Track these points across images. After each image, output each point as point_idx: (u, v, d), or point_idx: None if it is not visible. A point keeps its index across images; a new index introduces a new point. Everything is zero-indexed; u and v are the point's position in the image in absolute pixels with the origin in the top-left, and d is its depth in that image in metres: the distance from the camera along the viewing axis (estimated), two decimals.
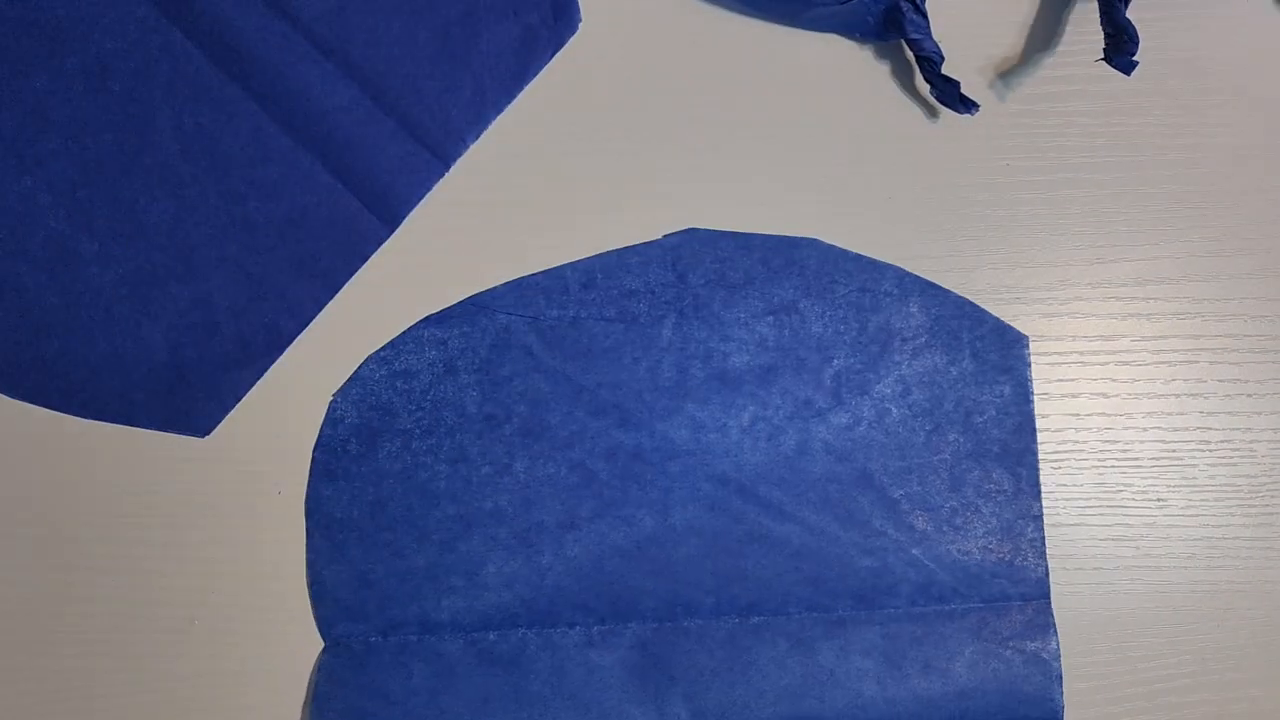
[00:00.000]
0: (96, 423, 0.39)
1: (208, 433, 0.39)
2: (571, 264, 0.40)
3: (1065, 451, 0.40)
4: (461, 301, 0.39)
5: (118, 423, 0.39)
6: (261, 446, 0.39)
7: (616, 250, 0.40)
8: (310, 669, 0.39)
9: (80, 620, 0.38)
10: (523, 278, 0.39)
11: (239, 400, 0.39)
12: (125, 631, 0.38)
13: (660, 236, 0.40)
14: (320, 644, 0.39)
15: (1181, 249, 0.41)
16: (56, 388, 0.39)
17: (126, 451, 0.39)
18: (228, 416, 0.39)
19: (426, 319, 0.39)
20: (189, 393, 0.39)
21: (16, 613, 0.38)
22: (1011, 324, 0.40)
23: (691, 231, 0.40)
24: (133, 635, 0.38)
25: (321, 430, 0.39)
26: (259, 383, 0.39)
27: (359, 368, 0.39)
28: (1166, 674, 0.40)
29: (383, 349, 0.39)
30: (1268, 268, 0.41)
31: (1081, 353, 0.40)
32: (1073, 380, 0.40)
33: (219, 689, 0.38)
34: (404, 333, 0.39)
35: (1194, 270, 0.41)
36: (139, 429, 0.39)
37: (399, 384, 0.39)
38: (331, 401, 0.39)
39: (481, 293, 0.39)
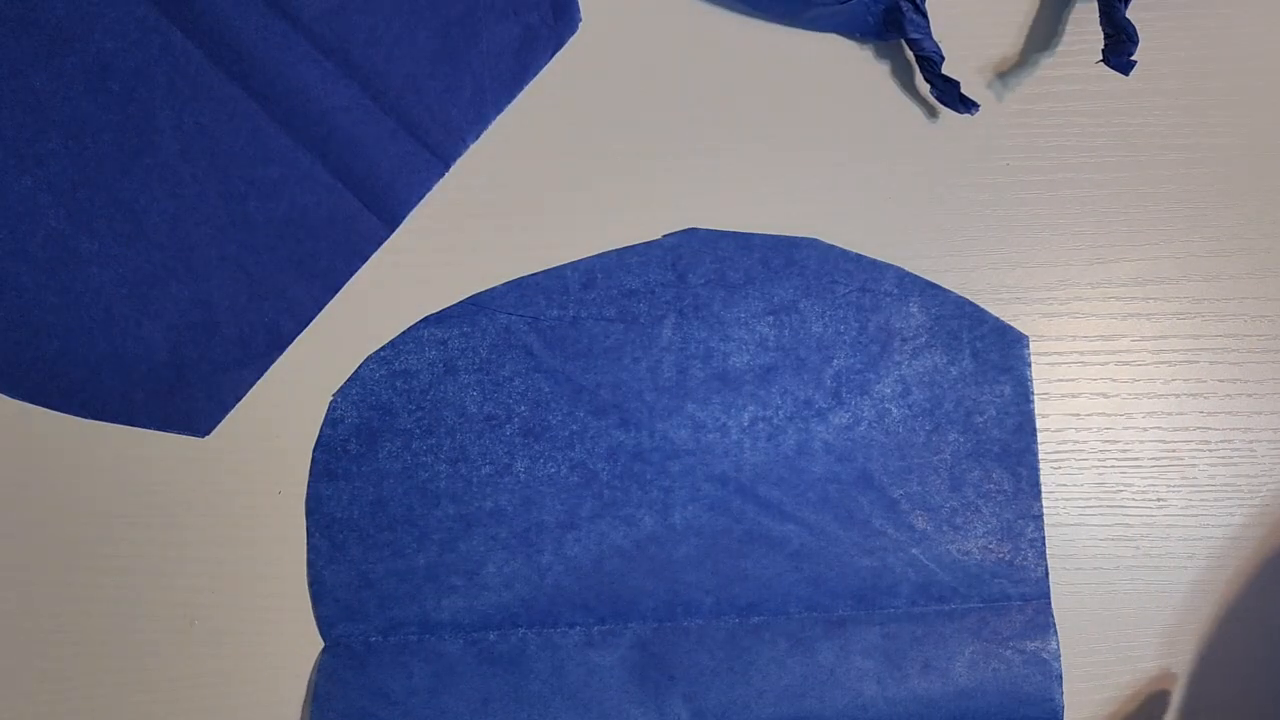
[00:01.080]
0: (96, 423, 0.39)
1: (208, 433, 0.39)
2: (572, 264, 0.40)
3: (1065, 451, 0.40)
4: (461, 301, 0.39)
5: (118, 423, 0.39)
6: (261, 446, 0.39)
7: (616, 250, 0.40)
8: (310, 669, 0.39)
9: (80, 620, 0.38)
10: (523, 278, 0.39)
11: (239, 400, 0.39)
12: (125, 631, 0.38)
13: (660, 236, 0.40)
14: (320, 644, 0.39)
15: (1181, 249, 0.41)
16: (56, 388, 0.39)
17: (126, 451, 0.39)
18: (228, 416, 0.39)
19: (426, 319, 0.39)
20: (189, 393, 0.39)
21: (16, 613, 0.38)
22: (1011, 324, 0.40)
23: (691, 231, 0.40)
24: (133, 635, 0.38)
25: (321, 430, 0.39)
26: (259, 383, 0.39)
27: (359, 368, 0.39)
28: (1167, 674, 0.40)
29: (383, 349, 0.39)
30: (1268, 268, 0.41)
31: (1081, 353, 0.40)
32: (1073, 380, 0.40)
33: (219, 689, 0.38)
34: (404, 333, 0.39)
35: (1194, 270, 0.41)
36: (139, 429, 0.39)
37: (399, 384, 0.39)
38: (331, 401, 0.39)
39: (481, 292, 0.39)
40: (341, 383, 0.39)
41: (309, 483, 0.39)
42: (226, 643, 0.39)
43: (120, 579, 0.39)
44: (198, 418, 0.39)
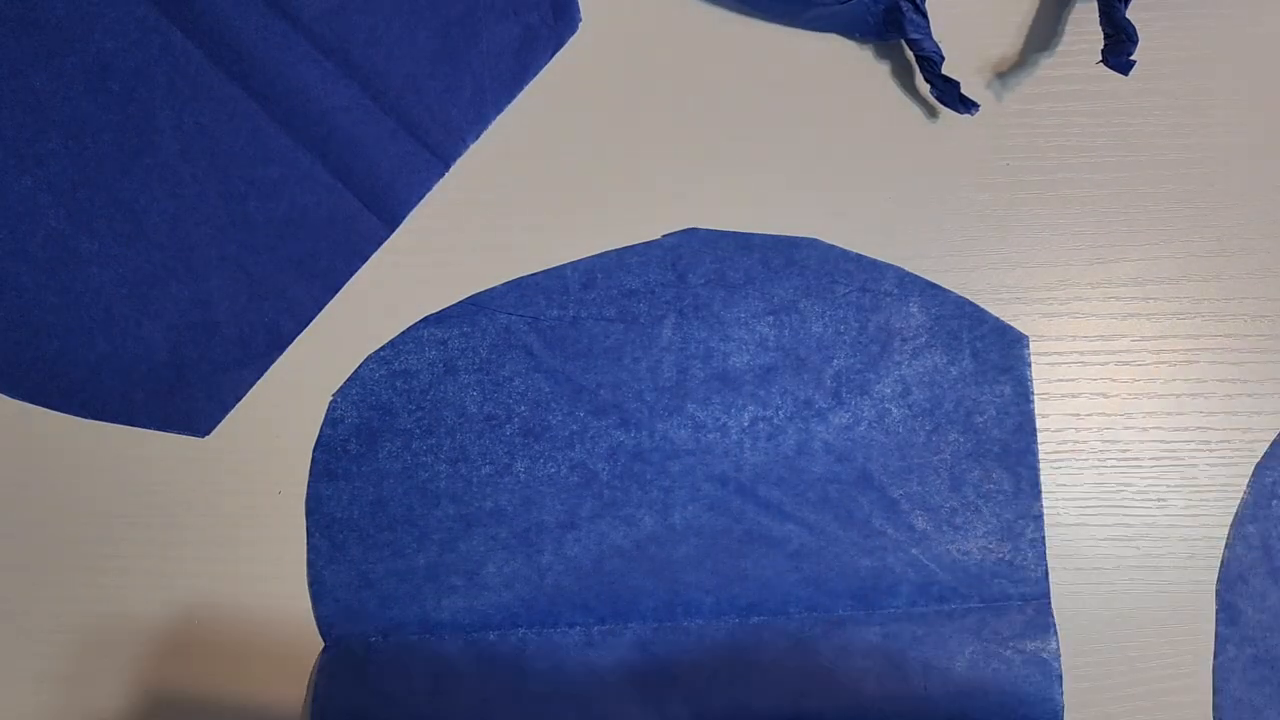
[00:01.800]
0: (96, 423, 0.39)
1: (208, 433, 0.39)
2: (572, 264, 0.40)
3: (1065, 451, 0.40)
4: (461, 301, 0.39)
5: (118, 423, 0.39)
6: (261, 446, 0.39)
7: (616, 250, 0.40)
8: (310, 669, 0.39)
9: (80, 620, 0.38)
10: (523, 277, 0.39)
11: (239, 400, 0.39)
12: (125, 632, 0.38)
13: (660, 236, 0.40)
14: (320, 644, 0.39)
15: (1181, 249, 0.41)
16: (56, 388, 0.39)
17: (126, 451, 0.39)
18: (228, 416, 0.39)
19: (426, 319, 0.39)
20: (189, 393, 0.39)
21: (16, 613, 0.38)
22: (1011, 324, 0.40)
23: (691, 231, 0.40)
24: (133, 635, 0.38)
25: (321, 430, 0.39)
26: (259, 383, 0.39)
27: (359, 367, 0.39)
28: (1166, 674, 0.40)
29: (382, 349, 0.39)
30: (1268, 268, 0.41)
31: (1081, 353, 0.40)
32: (1073, 380, 0.40)
33: (219, 689, 0.38)
34: (404, 332, 0.39)
35: (1194, 270, 0.41)
36: (139, 429, 0.39)
37: (399, 384, 0.39)
38: (331, 401, 0.39)
39: (481, 292, 0.39)
40: (341, 383, 0.39)
41: (309, 483, 0.39)
42: (226, 643, 0.39)
43: (120, 579, 0.39)
44: (198, 418, 0.39)
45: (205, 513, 0.39)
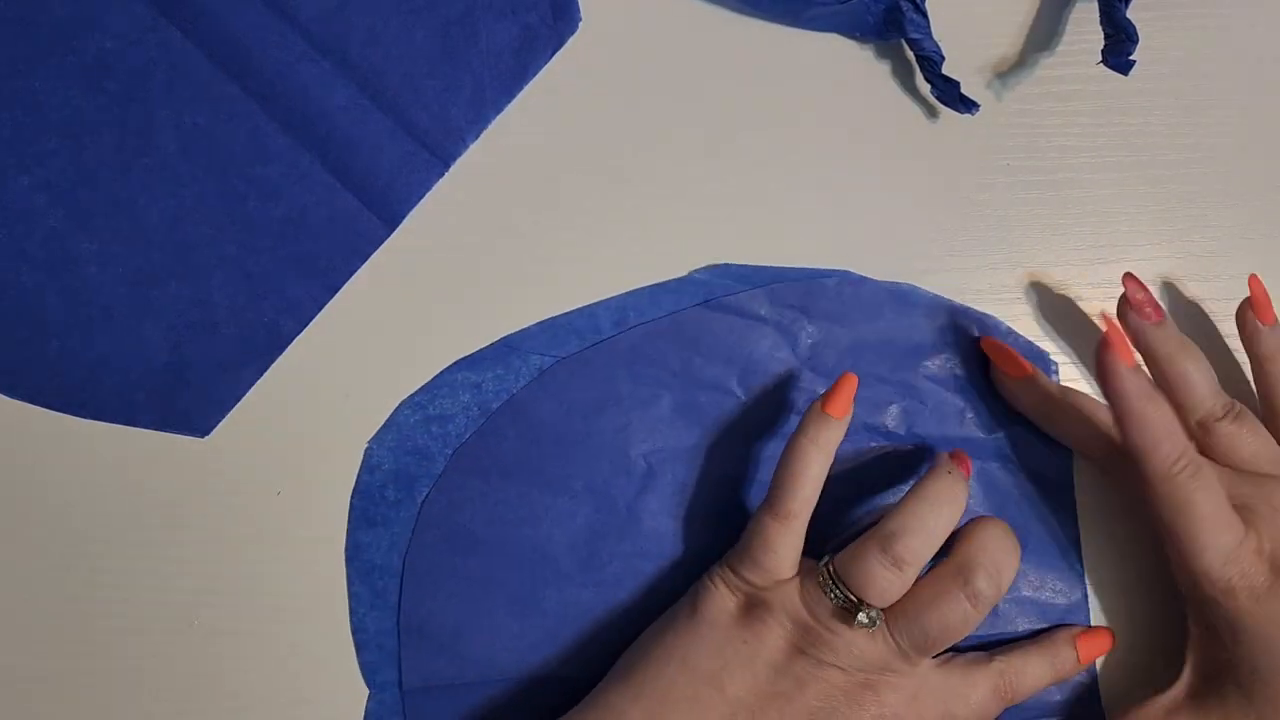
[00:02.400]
0: (96, 423, 0.39)
1: (208, 433, 0.39)
2: (604, 302, 0.39)
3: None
4: (494, 343, 0.39)
5: (118, 423, 0.39)
6: (261, 446, 0.39)
7: (649, 287, 0.39)
8: (308, 668, 0.38)
9: (79, 620, 0.38)
10: (554, 318, 0.39)
11: (239, 400, 0.39)
12: (125, 632, 0.38)
13: (688, 272, 0.39)
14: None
15: (1181, 249, 0.41)
16: (56, 388, 0.39)
17: (126, 451, 0.39)
18: (228, 416, 0.39)
19: (459, 362, 0.39)
20: (189, 393, 0.39)
21: (16, 613, 0.38)
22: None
23: (724, 267, 0.39)
24: (132, 635, 0.38)
25: (359, 477, 0.39)
26: (259, 383, 0.39)
27: (394, 413, 0.39)
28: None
29: (416, 394, 0.39)
30: (1268, 268, 0.41)
31: (1083, 353, 0.40)
32: (1074, 381, 0.40)
33: (219, 689, 0.38)
34: (437, 376, 0.39)
35: (1194, 270, 0.41)
36: (139, 429, 0.39)
37: (434, 428, 0.39)
38: (367, 448, 0.39)
39: (513, 333, 0.39)
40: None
41: (348, 531, 0.38)
42: (226, 643, 0.39)
43: (120, 579, 0.38)
44: (198, 418, 0.39)
45: (205, 513, 0.39)
